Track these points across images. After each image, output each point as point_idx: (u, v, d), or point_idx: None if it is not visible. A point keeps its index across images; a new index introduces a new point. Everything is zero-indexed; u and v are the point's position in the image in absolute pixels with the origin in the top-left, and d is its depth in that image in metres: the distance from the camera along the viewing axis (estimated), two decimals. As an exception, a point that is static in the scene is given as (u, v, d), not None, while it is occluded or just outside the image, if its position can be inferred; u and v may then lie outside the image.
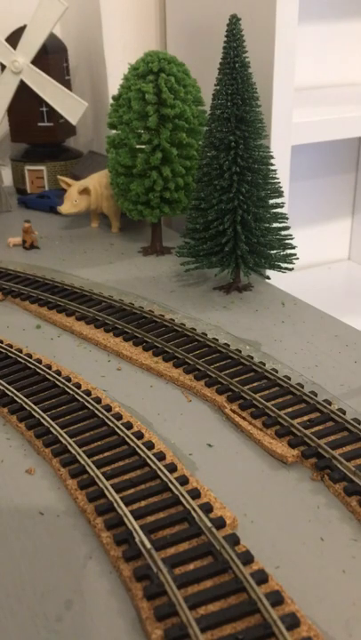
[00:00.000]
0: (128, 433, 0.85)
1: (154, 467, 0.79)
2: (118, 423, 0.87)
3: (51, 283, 1.33)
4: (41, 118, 1.81)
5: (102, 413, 0.90)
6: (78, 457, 0.82)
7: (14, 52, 1.71)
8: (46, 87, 1.74)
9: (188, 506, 0.72)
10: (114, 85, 1.53)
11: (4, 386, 0.98)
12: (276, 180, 1.22)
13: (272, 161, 1.21)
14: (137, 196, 1.43)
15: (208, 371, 1.00)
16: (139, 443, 0.83)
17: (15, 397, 0.95)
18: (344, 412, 0.89)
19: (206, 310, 1.24)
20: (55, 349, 1.12)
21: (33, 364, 1.03)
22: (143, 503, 0.74)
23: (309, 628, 0.59)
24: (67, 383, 0.97)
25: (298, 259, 1.26)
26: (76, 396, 0.94)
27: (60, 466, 0.81)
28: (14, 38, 1.71)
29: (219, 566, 0.65)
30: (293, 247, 1.25)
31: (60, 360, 1.07)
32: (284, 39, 1.27)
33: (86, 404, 0.92)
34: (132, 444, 0.83)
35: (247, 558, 0.66)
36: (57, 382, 0.98)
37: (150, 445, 0.83)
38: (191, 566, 0.66)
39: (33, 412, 0.91)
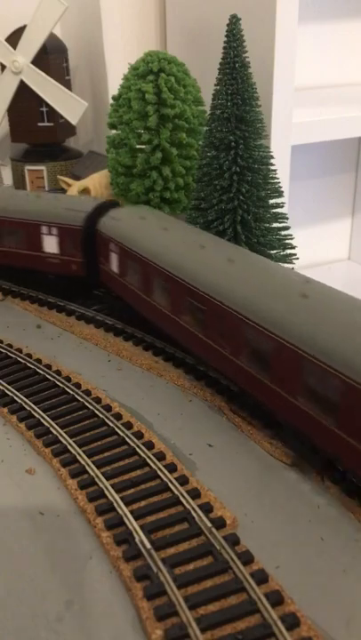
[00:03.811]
0: (128, 433, 0.85)
1: (154, 467, 0.79)
2: (118, 423, 0.87)
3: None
4: (41, 118, 1.81)
5: (102, 413, 0.90)
6: (78, 457, 0.82)
7: (14, 51, 1.71)
8: (46, 87, 1.74)
9: (188, 506, 0.72)
10: (114, 85, 1.53)
11: (3, 386, 0.98)
12: (276, 180, 1.21)
13: (272, 161, 1.21)
14: (137, 196, 1.42)
15: (208, 371, 1.00)
16: (139, 443, 0.83)
17: (15, 397, 0.95)
18: (344, 412, 0.89)
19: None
20: (55, 349, 1.12)
21: (33, 364, 1.03)
22: (143, 503, 0.74)
23: (309, 628, 0.59)
24: (67, 383, 0.97)
25: (298, 259, 1.26)
26: (76, 395, 0.94)
27: (60, 466, 0.81)
28: (14, 38, 1.71)
29: (219, 566, 0.65)
30: (293, 247, 1.25)
31: (60, 360, 1.07)
32: (284, 39, 1.27)
33: (86, 403, 0.92)
34: (132, 443, 0.83)
35: (247, 558, 0.66)
36: (57, 382, 0.98)
37: (150, 445, 0.83)
38: (191, 566, 0.66)
39: (33, 412, 0.91)
